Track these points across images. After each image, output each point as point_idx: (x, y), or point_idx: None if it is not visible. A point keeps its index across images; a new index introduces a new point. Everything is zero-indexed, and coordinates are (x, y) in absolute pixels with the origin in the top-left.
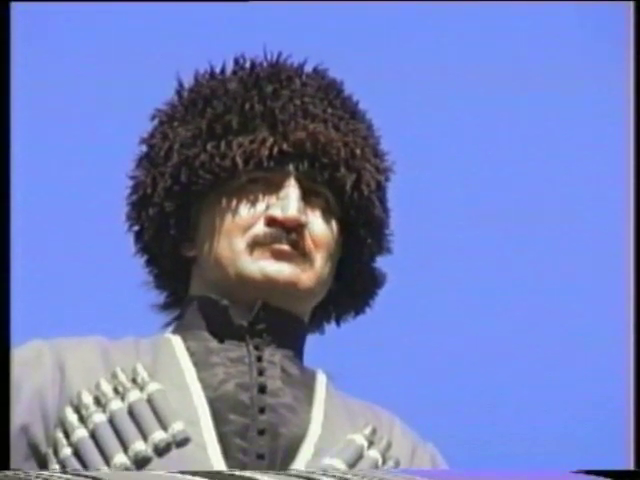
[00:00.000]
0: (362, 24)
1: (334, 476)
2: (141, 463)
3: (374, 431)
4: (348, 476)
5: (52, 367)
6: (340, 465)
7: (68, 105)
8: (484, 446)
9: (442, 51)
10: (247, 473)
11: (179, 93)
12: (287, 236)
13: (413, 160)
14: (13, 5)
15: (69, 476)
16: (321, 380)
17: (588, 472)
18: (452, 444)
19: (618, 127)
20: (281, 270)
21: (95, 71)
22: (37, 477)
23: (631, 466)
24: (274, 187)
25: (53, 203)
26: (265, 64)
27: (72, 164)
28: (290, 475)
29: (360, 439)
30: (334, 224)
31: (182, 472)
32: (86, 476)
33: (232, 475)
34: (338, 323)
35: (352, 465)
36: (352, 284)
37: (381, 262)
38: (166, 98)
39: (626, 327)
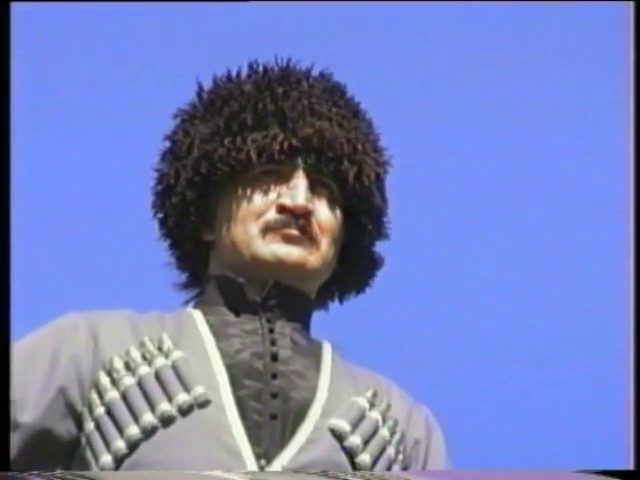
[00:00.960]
0: (364, 33)
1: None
2: (167, 422)
3: (375, 394)
4: (348, 477)
5: (86, 336)
6: (345, 425)
7: (68, 105)
8: (484, 446)
9: (439, 50)
10: (225, 474)
11: (199, 94)
12: (296, 222)
13: (410, 155)
14: (13, 5)
15: (72, 477)
16: (327, 349)
17: (588, 472)
18: (450, 443)
19: (618, 127)
20: (290, 252)
21: (98, 70)
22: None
23: (631, 466)
24: (284, 178)
25: (60, 198)
26: (276, 68)
27: (84, 158)
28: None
29: (363, 401)
30: (338, 212)
31: (184, 473)
32: (83, 476)
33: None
34: (341, 301)
35: (356, 425)
36: (354, 266)
37: (380, 247)
38: (186, 99)
39: (626, 327)
